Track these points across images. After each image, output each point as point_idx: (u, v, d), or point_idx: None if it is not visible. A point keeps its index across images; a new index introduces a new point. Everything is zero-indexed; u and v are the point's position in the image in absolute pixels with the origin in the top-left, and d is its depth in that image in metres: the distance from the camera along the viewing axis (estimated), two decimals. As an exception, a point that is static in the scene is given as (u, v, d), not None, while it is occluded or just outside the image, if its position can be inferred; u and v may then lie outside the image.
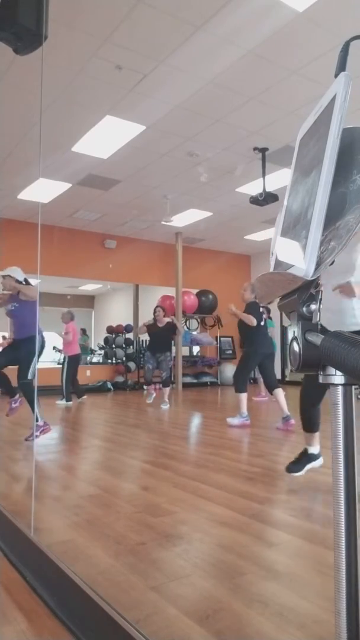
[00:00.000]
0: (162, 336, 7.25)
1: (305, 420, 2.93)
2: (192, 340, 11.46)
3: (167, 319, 7.32)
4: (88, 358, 13.66)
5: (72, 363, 7.60)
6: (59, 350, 8.11)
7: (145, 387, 8.15)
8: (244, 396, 5.18)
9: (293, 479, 2.89)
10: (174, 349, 8.21)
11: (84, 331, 13.59)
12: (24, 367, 4.26)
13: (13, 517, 2.02)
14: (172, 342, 7.66)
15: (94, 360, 13.76)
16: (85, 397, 8.09)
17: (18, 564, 1.72)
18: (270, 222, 8.89)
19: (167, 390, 7.19)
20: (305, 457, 2.96)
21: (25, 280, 4.51)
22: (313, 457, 2.97)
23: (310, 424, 2.93)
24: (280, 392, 5.07)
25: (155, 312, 7.28)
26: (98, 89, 4.87)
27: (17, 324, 4.45)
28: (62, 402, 7.39)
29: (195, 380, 11.12)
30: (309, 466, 2.94)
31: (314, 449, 2.97)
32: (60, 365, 7.78)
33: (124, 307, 14.31)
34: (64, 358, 7.64)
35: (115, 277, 10.85)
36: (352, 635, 0.60)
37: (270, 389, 5.29)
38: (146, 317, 11.65)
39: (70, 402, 7.47)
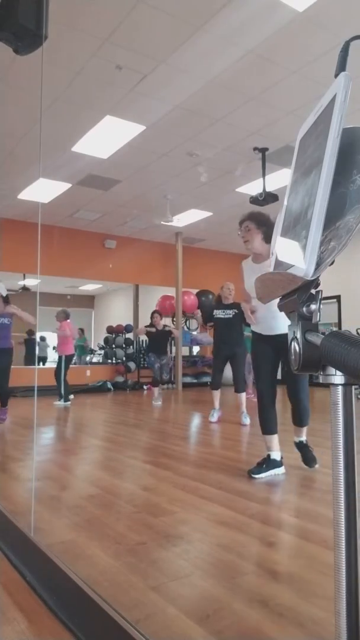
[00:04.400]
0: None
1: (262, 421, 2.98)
2: (192, 340, 11.45)
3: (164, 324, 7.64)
4: (88, 358, 13.64)
5: (68, 363, 7.53)
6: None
7: (150, 387, 8.02)
8: (243, 395, 5.38)
9: (293, 479, 2.89)
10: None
11: (82, 331, 13.50)
12: None
13: (13, 517, 2.02)
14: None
15: (94, 360, 13.73)
16: (72, 397, 7.73)
17: (18, 564, 1.72)
18: (270, 222, 8.87)
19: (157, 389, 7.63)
20: (267, 462, 2.94)
21: (6, 296, 4.97)
22: (274, 464, 2.92)
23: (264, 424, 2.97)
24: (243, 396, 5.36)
25: (152, 317, 7.59)
26: (98, 89, 4.87)
27: None
28: (59, 403, 7.31)
29: (195, 380, 11.11)
30: (271, 472, 2.90)
31: (274, 454, 2.94)
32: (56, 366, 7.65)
33: (124, 307, 14.31)
34: (59, 358, 7.53)
35: (115, 277, 10.85)
36: (352, 635, 0.60)
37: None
38: (146, 317, 11.65)
39: (69, 402, 7.39)
